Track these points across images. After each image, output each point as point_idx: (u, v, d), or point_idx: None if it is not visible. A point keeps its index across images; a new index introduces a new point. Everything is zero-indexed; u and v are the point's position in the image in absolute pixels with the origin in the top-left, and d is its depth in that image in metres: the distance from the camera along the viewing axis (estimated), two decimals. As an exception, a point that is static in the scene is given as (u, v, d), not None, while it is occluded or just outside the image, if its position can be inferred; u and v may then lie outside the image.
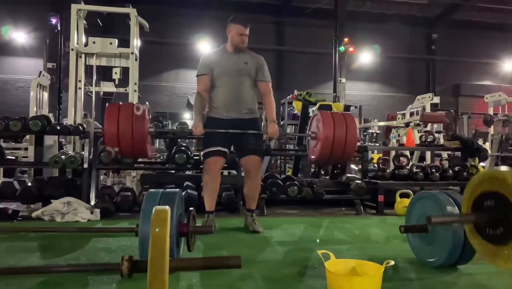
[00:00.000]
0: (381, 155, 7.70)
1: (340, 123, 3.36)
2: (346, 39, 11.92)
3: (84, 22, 5.34)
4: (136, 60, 5.34)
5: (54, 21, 10.21)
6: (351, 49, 12.48)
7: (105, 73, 6.97)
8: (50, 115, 5.71)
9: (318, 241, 3.09)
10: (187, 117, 13.48)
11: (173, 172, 5.08)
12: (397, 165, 5.01)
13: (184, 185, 4.39)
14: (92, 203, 4.02)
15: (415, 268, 2.28)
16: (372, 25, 15.54)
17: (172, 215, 1.79)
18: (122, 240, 2.83)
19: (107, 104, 3.26)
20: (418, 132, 6.84)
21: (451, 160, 5.89)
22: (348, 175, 5.15)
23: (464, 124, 11.82)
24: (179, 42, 14.47)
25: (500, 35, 16.46)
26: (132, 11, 5.33)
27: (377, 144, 9.67)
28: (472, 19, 16.29)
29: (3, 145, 5.75)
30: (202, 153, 3.37)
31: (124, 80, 5.41)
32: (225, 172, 5.29)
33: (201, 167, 3.75)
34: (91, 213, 3.74)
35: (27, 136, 5.29)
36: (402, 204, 4.30)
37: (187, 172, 5.28)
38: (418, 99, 7.68)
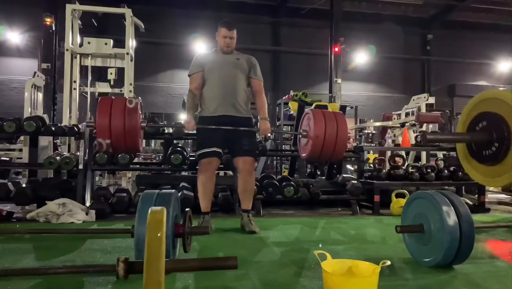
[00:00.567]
0: (377, 155, 7.71)
1: (331, 122, 3.37)
2: (341, 39, 11.94)
3: (79, 22, 5.33)
4: (131, 60, 5.33)
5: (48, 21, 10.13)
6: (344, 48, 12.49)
7: (100, 73, 6.94)
8: (45, 116, 5.66)
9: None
10: (183, 118, 13.39)
11: (169, 172, 5.07)
12: (393, 165, 5.02)
13: (180, 185, 4.38)
14: (88, 204, 4.00)
15: (411, 268, 2.29)
16: (367, 26, 15.58)
17: (168, 216, 1.79)
18: (117, 241, 2.82)
19: (99, 98, 3.26)
20: (414, 132, 6.87)
21: (447, 160, 5.91)
22: (344, 175, 5.17)
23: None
24: (174, 42, 14.44)
25: (495, 35, 16.57)
26: (127, 12, 5.32)
27: (373, 144, 9.70)
28: (467, 19, 16.37)
29: (-2, 146, 5.72)
30: (196, 154, 3.38)
31: (119, 81, 5.40)
32: (221, 173, 5.28)
33: (196, 167, 3.74)
34: (87, 214, 3.72)
35: (22, 138, 5.27)
36: (398, 204, 4.31)
37: (183, 173, 5.27)
38: (413, 100, 7.70)
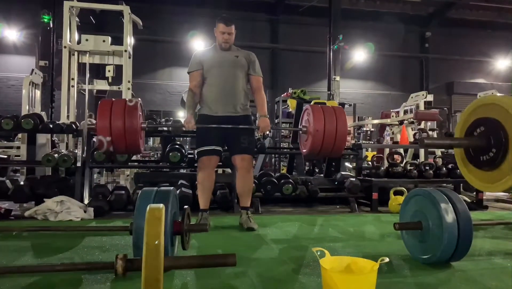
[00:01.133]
0: (375, 153, 7.73)
1: (330, 117, 3.37)
2: (340, 37, 11.94)
3: (77, 19, 5.30)
4: (129, 58, 5.31)
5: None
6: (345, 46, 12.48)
7: (98, 71, 6.92)
8: (43, 113, 5.65)
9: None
10: (181, 115, 13.43)
11: (167, 170, 5.06)
12: (391, 162, 5.03)
13: (179, 183, 4.38)
14: (86, 201, 3.99)
15: (409, 265, 2.29)
16: (366, 23, 15.59)
17: (166, 213, 1.79)
18: (116, 239, 2.81)
19: (100, 100, 3.25)
20: (412, 130, 6.88)
21: (445, 157, 5.92)
22: (343, 172, 5.17)
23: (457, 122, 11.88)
24: (172, 40, 14.42)
25: (493, 33, 16.59)
26: (125, 9, 5.30)
27: (371, 142, 9.71)
28: (465, 17, 16.38)
29: (-5, 143, 5.70)
30: (196, 152, 3.38)
31: (117, 78, 5.38)
32: (220, 170, 5.28)
33: (195, 165, 3.74)
34: (85, 211, 3.72)
35: (20, 135, 5.25)
36: (396, 201, 4.32)
37: (181, 170, 5.26)
38: (411, 97, 7.71)
